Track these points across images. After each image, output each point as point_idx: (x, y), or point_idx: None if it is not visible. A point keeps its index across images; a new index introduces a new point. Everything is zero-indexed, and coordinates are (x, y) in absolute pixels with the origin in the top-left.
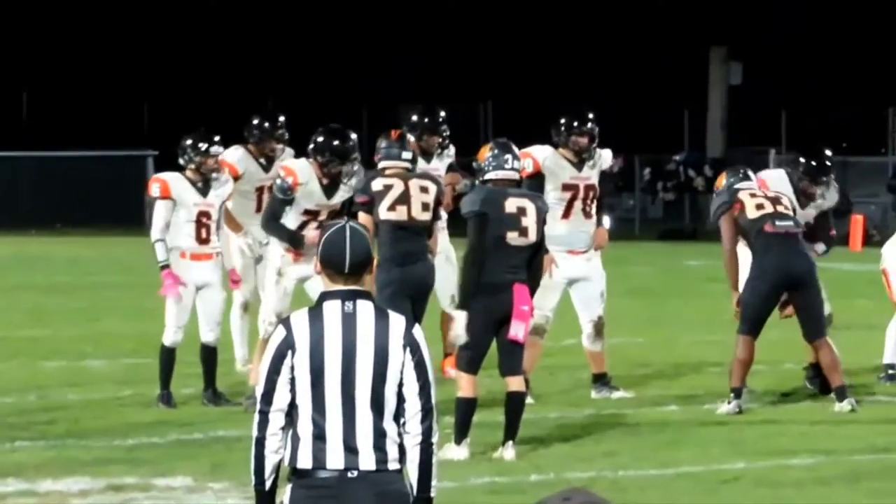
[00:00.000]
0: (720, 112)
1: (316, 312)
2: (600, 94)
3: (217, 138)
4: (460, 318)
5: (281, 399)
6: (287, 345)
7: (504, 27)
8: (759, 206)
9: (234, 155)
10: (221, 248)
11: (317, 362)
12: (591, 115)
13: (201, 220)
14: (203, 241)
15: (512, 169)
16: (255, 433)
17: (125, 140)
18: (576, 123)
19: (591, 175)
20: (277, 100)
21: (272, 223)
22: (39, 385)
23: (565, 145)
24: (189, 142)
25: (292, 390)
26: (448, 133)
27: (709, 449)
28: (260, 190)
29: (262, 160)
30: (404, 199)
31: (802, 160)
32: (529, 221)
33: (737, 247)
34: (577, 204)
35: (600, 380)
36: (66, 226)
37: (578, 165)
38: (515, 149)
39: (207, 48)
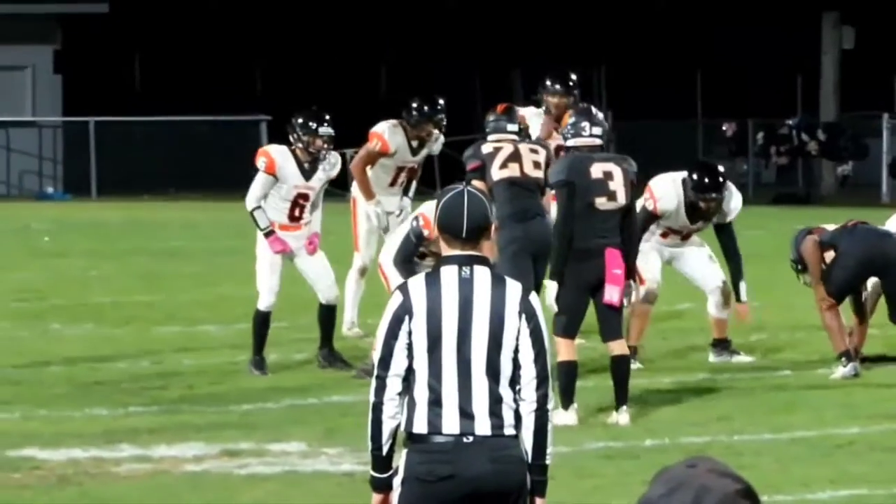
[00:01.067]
0: (833, 76)
1: (433, 277)
2: (715, 58)
3: (328, 117)
4: (551, 288)
5: (398, 364)
6: (404, 310)
7: None
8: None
9: (389, 131)
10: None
11: (433, 327)
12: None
13: (298, 200)
14: (294, 218)
15: (591, 135)
16: (372, 398)
17: (239, 105)
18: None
19: None
20: (389, 66)
21: (404, 265)
22: (153, 350)
23: None
24: (300, 120)
25: (409, 355)
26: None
27: (823, 413)
28: (400, 168)
29: (414, 142)
30: (515, 157)
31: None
32: (617, 185)
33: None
34: None
35: (721, 344)
36: (179, 191)
37: None
38: (597, 114)
39: (320, 9)
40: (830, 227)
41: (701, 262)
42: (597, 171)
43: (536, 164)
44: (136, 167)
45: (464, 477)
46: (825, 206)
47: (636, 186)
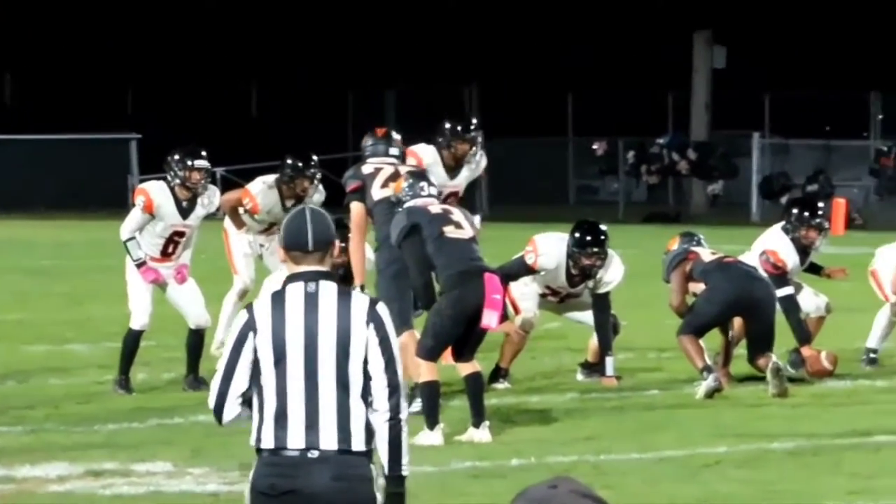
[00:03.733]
0: (704, 95)
1: (279, 295)
2: (585, 77)
3: (203, 153)
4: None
5: (240, 381)
6: (248, 327)
7: (489, 8)
8: (714, 253)
9: (262, 193)
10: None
11: (278, 342)
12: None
13: (173, 237)
14: (167, 254)
15: (429, 195)
16: (212, 404)
17: (110, 124)
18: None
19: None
20: (261, 84)
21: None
22: (20, 370)
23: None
24: (176, 157)
25: (253, 373)
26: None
27: (691, 433)
28: (273, 224)
29: (290, 201)
30: (396, 177)
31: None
32: (458, 218)
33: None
34: None
35: (592, 367)
36: (49, 209)
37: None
38: (429, 176)
39: (191, 31)
40: (706, 252)
41: (588, 312)
42: (435, 209)
43: None
44: (6, 185)
45: (304, 493)
46: (696, 224)
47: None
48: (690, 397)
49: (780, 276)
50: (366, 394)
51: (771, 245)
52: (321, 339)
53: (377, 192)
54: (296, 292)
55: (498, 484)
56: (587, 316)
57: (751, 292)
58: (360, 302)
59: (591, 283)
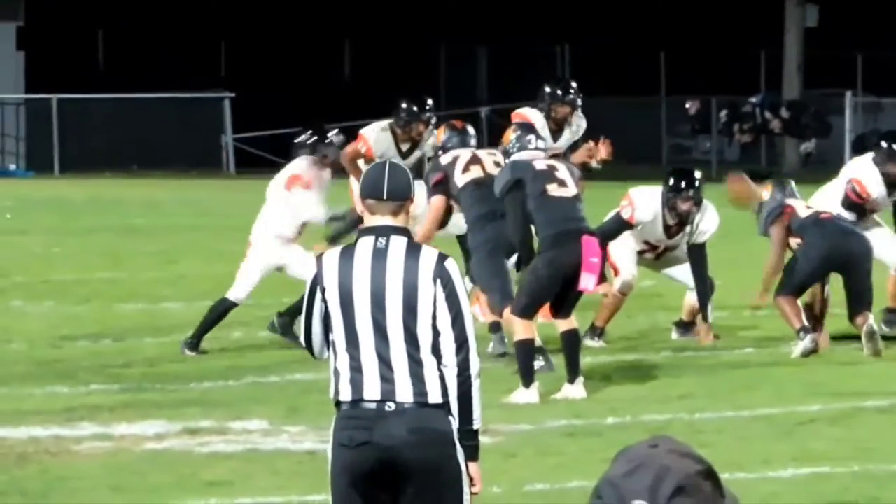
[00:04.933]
0: (796, 54)
1: (349, 249)
2: (677, 36)
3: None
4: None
5: (318, 332)
6: (316, 282)
7: None
8: (808, 207)
9: (376, 135)
10: None
11: (345, 297)
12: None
13: None
14: None
15: (536, 149)
16: (304, 344)
17: (202, 83)
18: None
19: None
20: (354, 42)
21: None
22: (115, 328)
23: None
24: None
25: (326, 325)
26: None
27: (785, 390)
28: None
29: (405, 145)
30: (475, 160)
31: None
32: (563, 175)
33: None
34: None
35: (686, 325)
36: (141, 168)
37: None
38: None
39: None
40: (801, 206)
41: (685, 267)
42: (540, 164)
43: (497, 164)
44: (99, 145)
45: (380, 444)
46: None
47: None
48: (784, 355)
49: (859, 206)
50: (436, 348)
51: (858, 174)
52: (388, 294)
53: (460, 178)
54: (366, 246)
55: (593, 442)
56: (683, 272)
57: (848, 247)
58: (428, 257)
59: (688, 231)
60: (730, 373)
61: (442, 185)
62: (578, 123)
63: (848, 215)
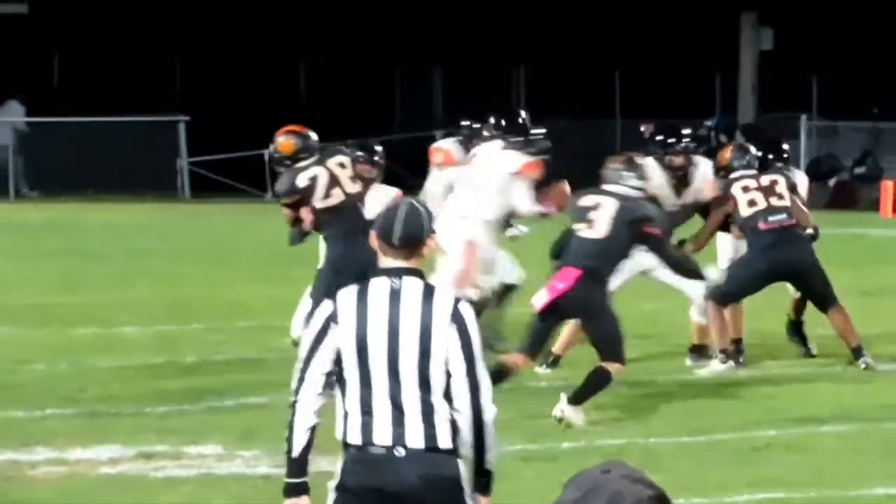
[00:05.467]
0: (751, 77)
1: (363, 288)
2: (631, 59)
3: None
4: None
5: (319, 371)
6: (331, 318)
7: None
8: (752, 203)
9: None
10: None
11: (361, 338)
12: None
13: None
14: None
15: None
16: (291, 398)
17: (158, 106)
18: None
19: None
20: (311, 63)
21: None
22: (71, 352)
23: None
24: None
25: (333, 364)
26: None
27: (740, 415)
28: None
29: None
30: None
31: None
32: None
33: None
34: None
35: (699, 350)
36: (97, 191)
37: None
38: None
39: (238, 10)
40: (744, 201)
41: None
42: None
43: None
44: (54, 167)
45: (391, 491)
46: None
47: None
48: (742, 379)
49: None
50: (448, 393)
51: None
52: (403, 337)
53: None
54: (380, 287)
55: (548, 467)
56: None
57: (787, 258)
58: (444, 300)
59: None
60: (685, 396)
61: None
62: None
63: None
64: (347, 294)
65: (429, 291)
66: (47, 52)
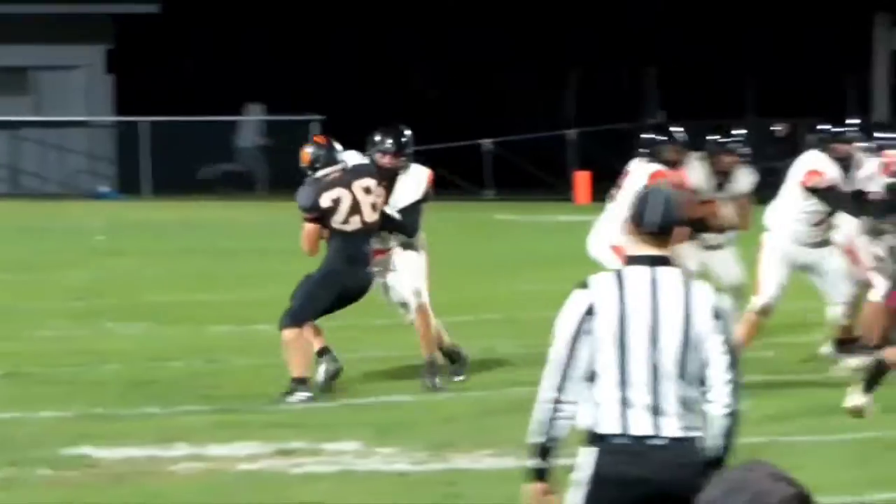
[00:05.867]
0: (885, 77)
1: (619, 277)
2: (767, 60)
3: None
4: None
5: (579, 363)
6: (588, 308)
7: None
8: None
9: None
10: None
11: (622, 327)
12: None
13: None
14: None
15: None
16: (548, 394)
17: (292, 105)
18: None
19: None
20: (423, 64)
21: None
22: (207, 349)
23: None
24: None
25: (591, 354)
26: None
27: (877, 414)
28: None
29: (716, 178)
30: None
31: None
32: None
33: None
34: None
35: (846, 343)
36: (229, 190)
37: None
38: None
39: (365, 15)
40: None
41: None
42: None
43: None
44: (189, 166)
45: (653, 480)
46: None
47: None
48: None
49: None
50: (704, 383)
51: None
52: (664, 327)
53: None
54: (639, 276)
55: None
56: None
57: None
58: (703, 291)
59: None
60: (824, 394)
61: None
62: None
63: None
64: (604, 283)
65: (687, 281)
66: (180, 51)
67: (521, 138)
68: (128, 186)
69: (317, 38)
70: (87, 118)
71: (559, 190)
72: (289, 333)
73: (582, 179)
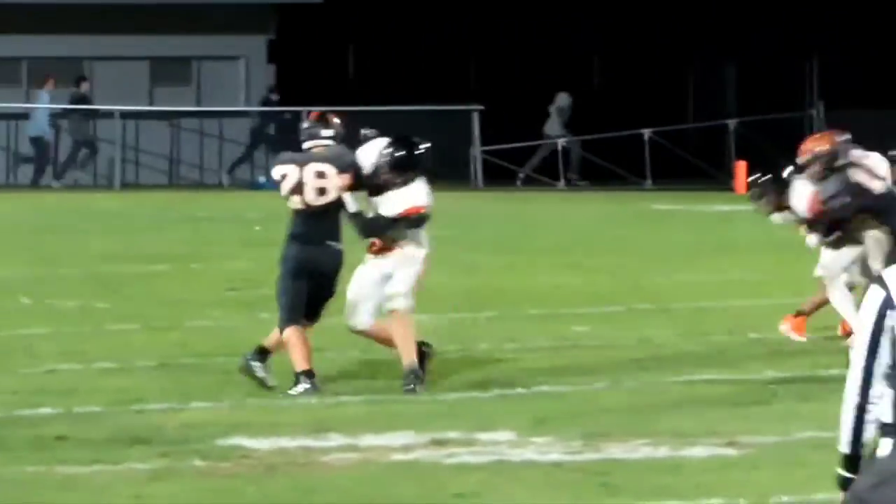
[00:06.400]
0: None
1: None
2: None
3: None
4: None
5: (883, 362)
6: (886, 304)
7: None
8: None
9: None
10: None
11: None
12: None
13: None
14: None
15: None
16: (854, 398)
17: (452, 96)
18: None
19: None
20: (601, 58)
21: None
22: (361, 339)
23: None
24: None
25: (893, 351)
26: None
27: None
28: None
29: None
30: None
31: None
32: None
33: None
34: None
35: None
36: None
37: None
38: None
39: (532, 7)
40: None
41: None
42: None
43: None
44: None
45: None
46: None
47: None
48: None
49: None
50: None
51: None
52: None
53: None
54: None
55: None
56: None
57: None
58: None
59: None
60: None
61: None
62: None
63: None
64: None
65: None
66: (342, 42)
67: (680, 128)
68: None
69: (479, 27)
70: (247, 108)
71: (720, 180)
72: (288, 332)
73: (742, 169)
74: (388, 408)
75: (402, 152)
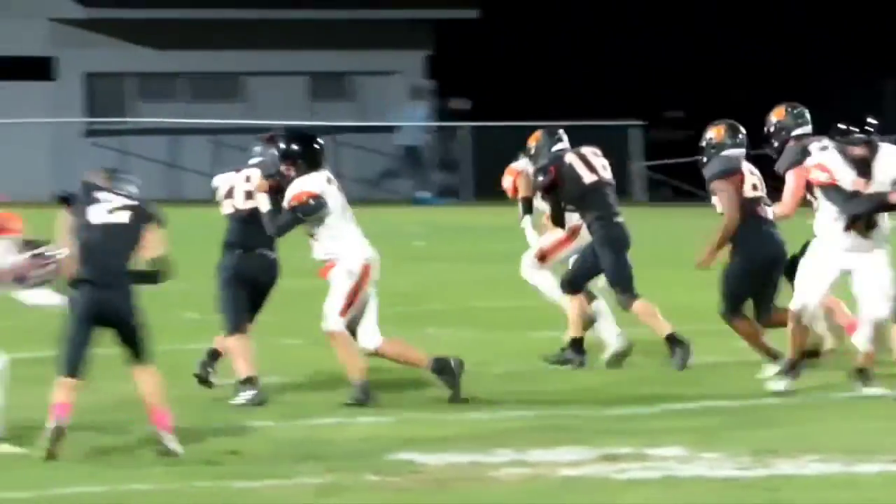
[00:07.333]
0: None
1: None
2: None
3: None
4: None
5: None
6: None
7: None
8: (754, 187)
9: None
10: None
11: None
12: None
13: None
14: None
15: None
16: None
17: (605, 112)
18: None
19: None
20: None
21: None
22: (530, 355)
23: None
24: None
25: None
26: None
27: None
28: None
29: None
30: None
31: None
32: None
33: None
34: None
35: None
36: None
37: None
38: None
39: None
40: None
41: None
42: None
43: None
44: (467, 171)
45: None
46: None
47: None
48: None
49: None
50: None
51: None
52: None
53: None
54: None
55: None
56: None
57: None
58: None
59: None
60: None
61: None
62: None
63: None
64: None
65: None
66: (500, 55)
67: None
68: (447, 191)
69: (628, 40)
70: (403, 123)
71: None
72: (230, 342)
73: None
74: (555, 422)
75: (292, 145)
